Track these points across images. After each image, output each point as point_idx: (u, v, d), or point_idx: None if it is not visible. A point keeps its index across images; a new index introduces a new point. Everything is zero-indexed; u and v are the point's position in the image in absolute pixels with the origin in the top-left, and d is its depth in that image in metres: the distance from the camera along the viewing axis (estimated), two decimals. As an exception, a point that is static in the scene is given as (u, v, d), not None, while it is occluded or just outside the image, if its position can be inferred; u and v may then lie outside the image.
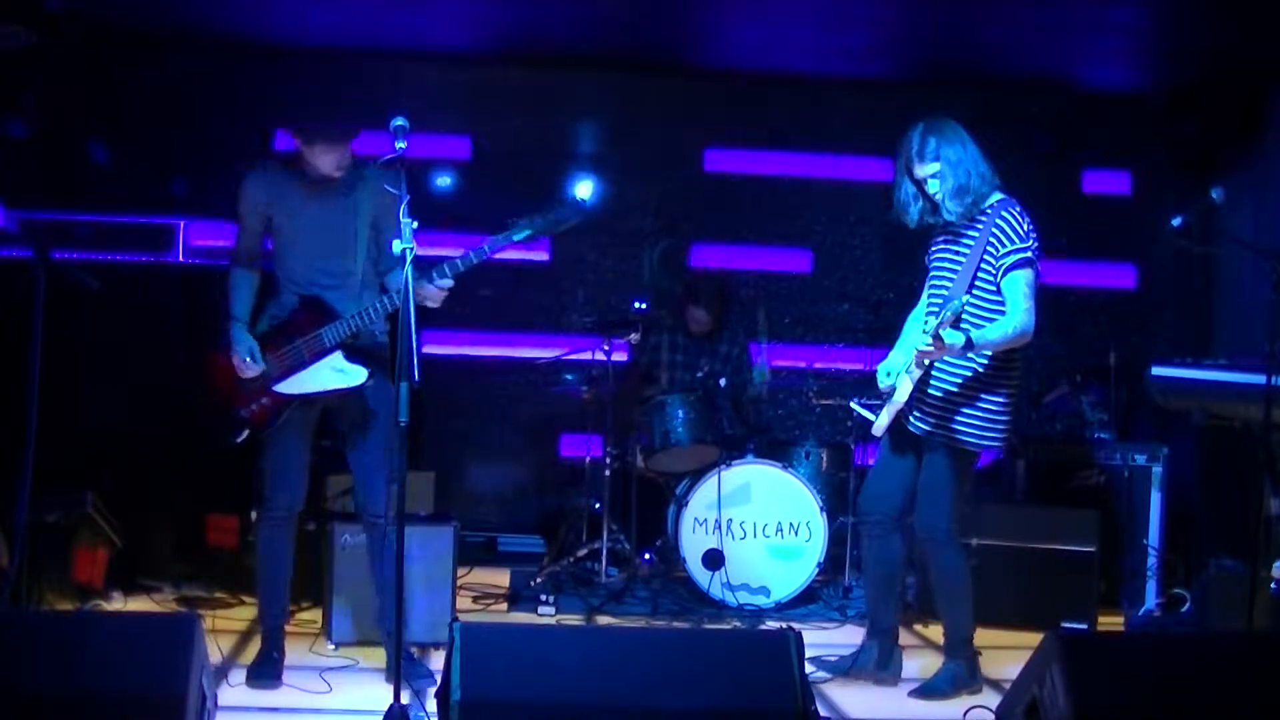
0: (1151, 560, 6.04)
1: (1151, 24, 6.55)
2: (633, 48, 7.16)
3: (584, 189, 7.58)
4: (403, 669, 4.15)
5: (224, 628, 5.31)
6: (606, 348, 6.17)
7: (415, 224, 3.88)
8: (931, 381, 4.56)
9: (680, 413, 6.14)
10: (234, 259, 4.73)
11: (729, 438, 6.25)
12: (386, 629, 4.57)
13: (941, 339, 4.26)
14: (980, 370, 4.53)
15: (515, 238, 4.44)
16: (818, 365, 7.01)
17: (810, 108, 7.59)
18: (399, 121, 3.96)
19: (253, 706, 4.32)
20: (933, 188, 4.53)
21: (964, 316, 4.34)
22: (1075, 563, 5.72)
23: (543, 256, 7.37)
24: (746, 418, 6.68)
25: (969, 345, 4.34)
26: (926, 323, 4.46)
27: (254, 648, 5.09)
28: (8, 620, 3.71)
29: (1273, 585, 4.85)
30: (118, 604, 5.57)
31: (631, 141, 7.50)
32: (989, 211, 4.52)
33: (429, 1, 6.54)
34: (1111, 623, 5.89)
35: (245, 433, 4.59)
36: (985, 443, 4.59)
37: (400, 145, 3.96)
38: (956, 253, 4.56)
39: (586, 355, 6.30)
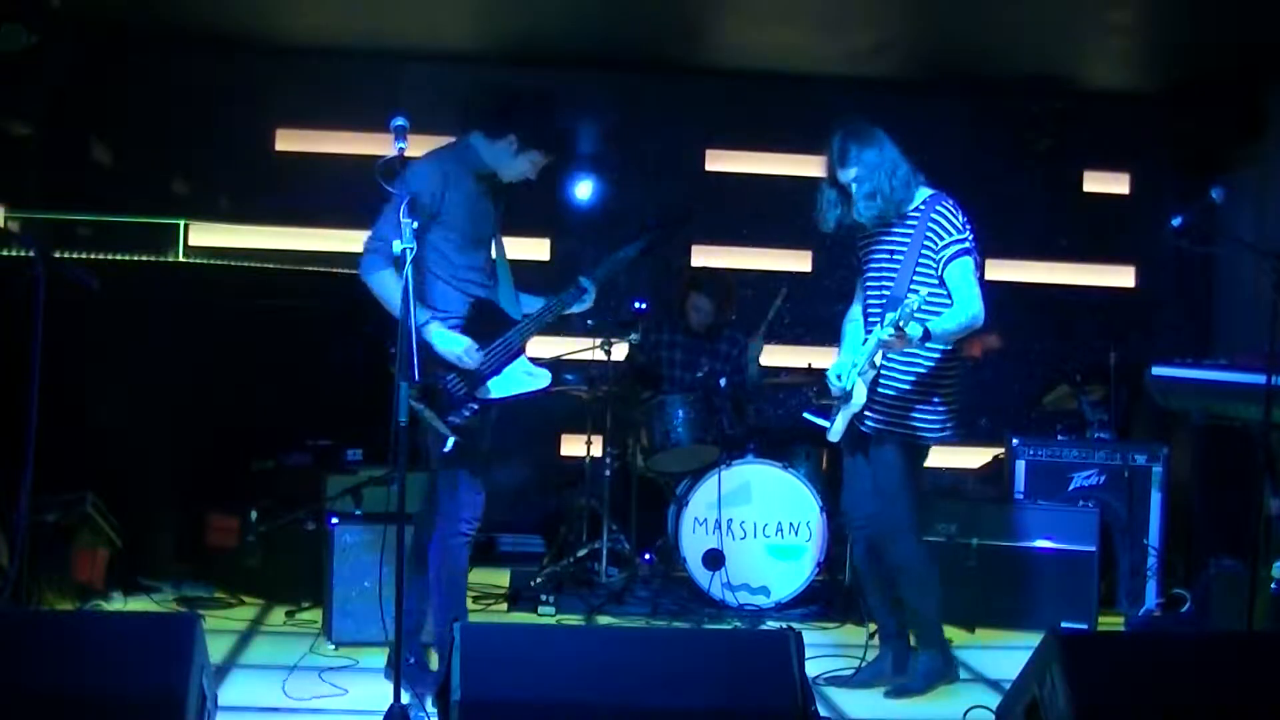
0: (1151, 560, 6.04)
1: (1151, 24, 6.55)
2: (633, 48, 7.16)
3: (584, 189, 7.58)
4: (412, 675, 4.16)
5: (224, 628, 5.31)
6: (607, 348, 6.17)
7: (415, 224, 3.88)
8: (881, 381, 4.58)
9: (680, 413, 6.14)
10: (385, 257, 4.32)
11: (729, 438, 6.25)
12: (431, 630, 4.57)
13: (904, 332, 4.30)
14: (930, 366, 4.57)
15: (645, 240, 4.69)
16: (817, 365, 6.99)
17: (810, 108, 7.58)
18: (399, 121, 3.95)
19: (253, 706, 4.32)
20: (854, 191, 4.58)
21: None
22: (1075, 563, 5.72)
23: (543, 255, 7.38)
24: (745, 415, 6.68)
25: (927, 336, 4.40)
26: (883, 319, 4.47)
27: (254, 648, 5.11)
28: (8, 620, 3.71)
29: (1273, 585, 4.85)
30: (118, 604, 5.57)
31: (631, 141, 7.50)
32: (922, 208, 4.57)
33: (429, 2, 6.55)
34: (1111, 623, 5.89)
35: (453, 442, 4.37)
36: (938, 435, 4.62)
37: (400, 145, 3.96)
38: (893, 251, 4.60)
39: (586, 355, 6.30)
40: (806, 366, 6.95)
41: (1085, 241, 7.68)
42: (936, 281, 4.52)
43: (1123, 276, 7.80)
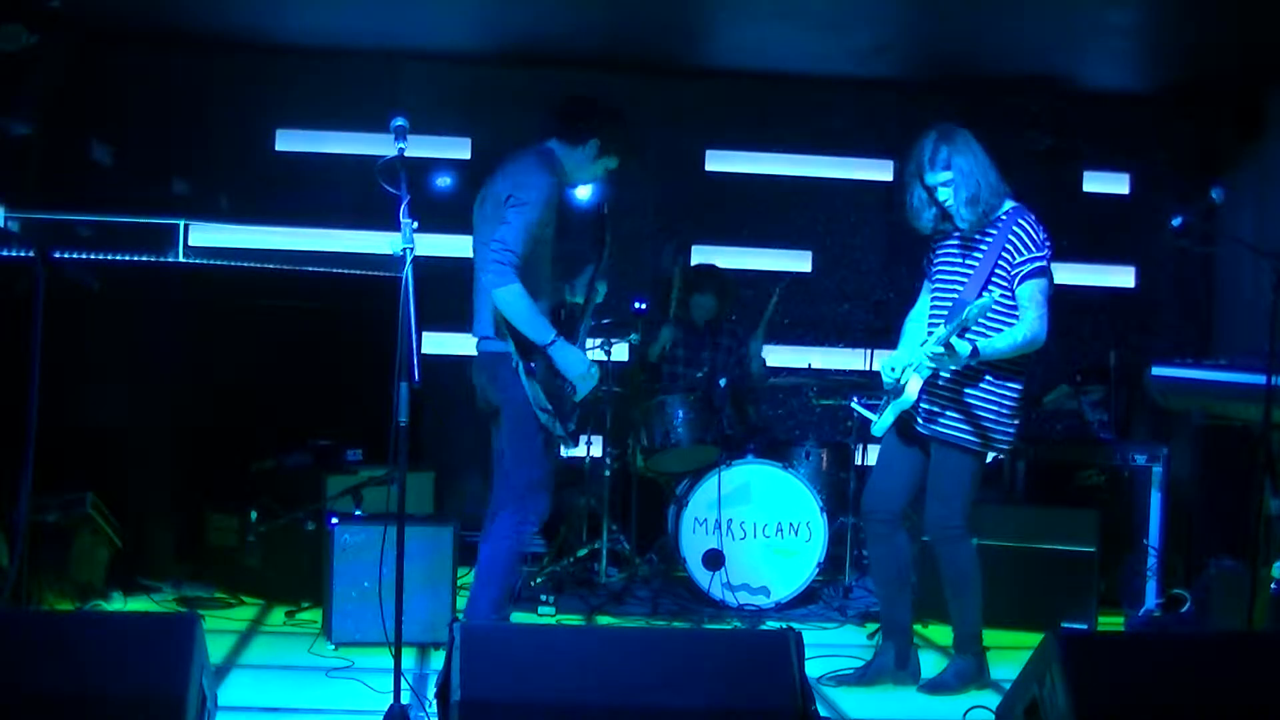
0: (1151, 560, 6.04)
1: (1151, 24, 6.55)
2: (633, 48, 7.16)
3: (583, 189, 7.57)
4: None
5: (224, 628, 5.31)
6: (607, 348, 6.17)
7: (415, 224, 3.88)
8: (940, 384, 4.56)
9: (680, 413, 6.14)
10: (517, 271, 4.41)
11: (729, 438, 6.24)
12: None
13: (953, 347, 4.28)
14: (990, 374, 4.55)
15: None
16: (817, 365, 7.00)
17: (810, 108, 7.59)
18: (399, 121, 3.96)
19: (253, 706, 4.32)
20: (943, 195, 4.54)
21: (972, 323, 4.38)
22: (1075, 563, 5.71)
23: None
24: (746, 414, 6.67)
25: (974, 354, 4.38)
26: (936, 327, 4.46)
27: (254, 648, 5.11)
28: (8, 620, 3.71)
29: (1273, 585, 4.85)
30: (118, 604, 5.57)
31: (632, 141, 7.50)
32: (1004, 219, 4.54)
33: (429, 1, 6.55)
34: (1111, 623, 5.89)
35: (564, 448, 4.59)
36: (994, 444, 4.60)
37: (400, 145, 3.96)
38: (968, 259, 4.57)
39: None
40: (807, 366, 6.95)
41: (1085, 241, 7.68)
42: (1009, 296, 4.52)
43: (1123, 276, 7.80)
